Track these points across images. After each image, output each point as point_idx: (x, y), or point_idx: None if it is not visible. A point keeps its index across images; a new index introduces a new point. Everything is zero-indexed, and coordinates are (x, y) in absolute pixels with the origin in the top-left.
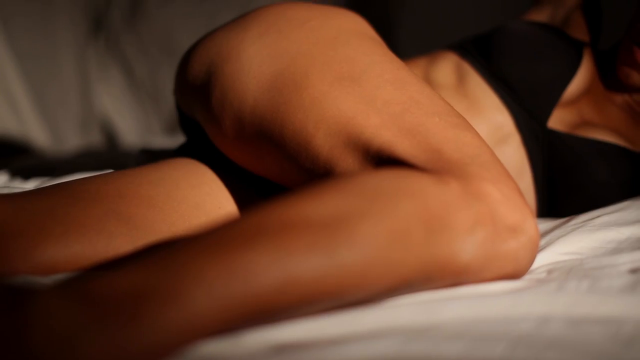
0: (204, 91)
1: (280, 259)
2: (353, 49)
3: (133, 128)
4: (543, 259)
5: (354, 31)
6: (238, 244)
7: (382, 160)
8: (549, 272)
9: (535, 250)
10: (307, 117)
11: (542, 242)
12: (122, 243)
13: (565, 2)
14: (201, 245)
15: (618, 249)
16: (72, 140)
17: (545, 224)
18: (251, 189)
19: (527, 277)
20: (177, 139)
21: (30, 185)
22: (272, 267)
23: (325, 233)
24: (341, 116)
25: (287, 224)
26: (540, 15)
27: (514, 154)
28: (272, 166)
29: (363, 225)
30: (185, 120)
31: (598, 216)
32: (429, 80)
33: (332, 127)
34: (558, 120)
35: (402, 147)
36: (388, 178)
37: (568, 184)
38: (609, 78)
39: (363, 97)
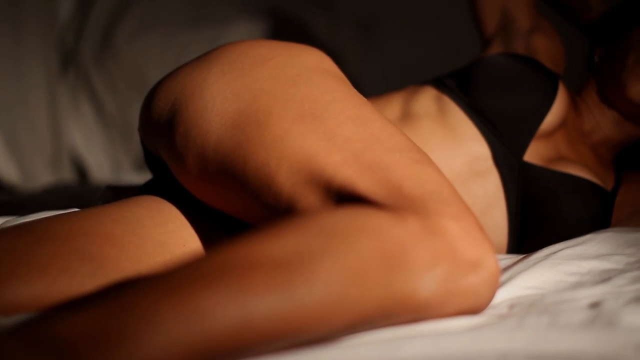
0: (168, 129)
1: (237, 299)
2: (315, 87)
3: (103, 165)
4: (505, 293)
5: (317, 68)
6: (195, 285)
7: (343, 197)
8: (511, 307)
9: (495, 285)
10: (269, 155)
11: (505, 275)
12: (86, 282)
13: (515, 31)
14: (159, 286)
15: (579, 283)
16: (43, 177)
17: (509, 257)
18: (216, 226)
19: (489, 312)
20: (148, 176)
21: None
22: (229, 308)
23: (283, 272)
24: (303, 154)
25: (244, 264)
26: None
27: (490, 185)
28: (235, 203)
29: (321, 264)
30: (151, 158)
31: (560, 249)
32: (410, 112)
33: (294, 164)
34: (534, 154)
35: (363, 184)
36: (346, 217)
37: (540, 216)
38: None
39: (324, 135)
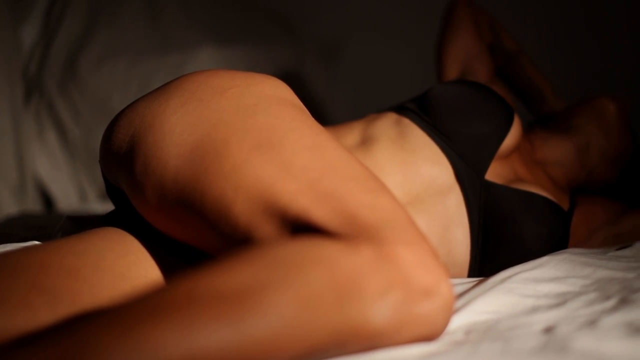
0: (128, 160)
1: (186, 332)
2: (273, 116)
3: (69, 193)
4: (462, 319)
5: (275, 97)
6: (145, 319)
7: (299, 226)
8: (467, 332)
9: (450, 312)
10: (227, 185)
11: (461, 301)
12: (45, 316)
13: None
14: (113, 323)
15: (535, 307)
16: (8, 207)
17: (465, 282)
18: (177, 257)
19: (445, 338)
20: (112, 206)
21: None
22: (178, 341)
23: (233, 304)
24: (260, 183)
25: (195, 297)
26: None
27: (451, 203)
28: (194, 233)
29: (271, 294)
30: (112, 189)
31: (517, 273)
32: (368, 137)
33: (251, 194)
34: (494, 174)
35: (318, 213)
36: (299, 248)
37: (502, 233)
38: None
39: (281, 164)
